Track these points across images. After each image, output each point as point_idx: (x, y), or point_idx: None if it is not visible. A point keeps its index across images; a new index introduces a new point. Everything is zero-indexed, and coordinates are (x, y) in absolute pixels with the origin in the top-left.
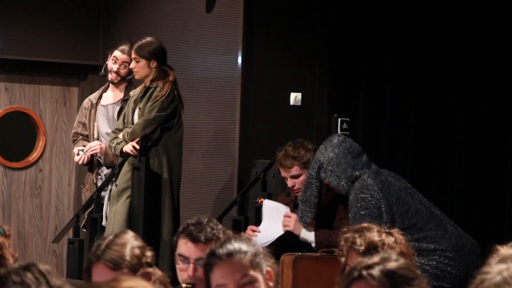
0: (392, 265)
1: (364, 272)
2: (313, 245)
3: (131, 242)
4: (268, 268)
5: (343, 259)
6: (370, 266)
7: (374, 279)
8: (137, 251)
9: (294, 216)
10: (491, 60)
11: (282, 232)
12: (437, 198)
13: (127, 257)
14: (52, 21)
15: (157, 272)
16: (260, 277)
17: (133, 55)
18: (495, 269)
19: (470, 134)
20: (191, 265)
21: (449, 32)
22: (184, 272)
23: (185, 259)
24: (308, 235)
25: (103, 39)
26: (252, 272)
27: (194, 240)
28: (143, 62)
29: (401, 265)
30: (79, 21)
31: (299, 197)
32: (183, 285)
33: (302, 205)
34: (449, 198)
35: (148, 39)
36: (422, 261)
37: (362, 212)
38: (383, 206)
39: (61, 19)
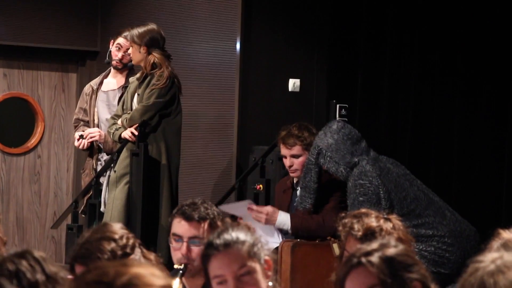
0: (391, 251)
1: (363, 259)
2: (290, 231)
3: (105, 236)
4: (267, 257)
5: (335, 245)
6: (369, 253)
7: (373, 266)
8: (111, 246)
9: (263, 210)
10: (488, 44)
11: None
12: (435, 184)
13: (99, 254)
14: (50, 7)
15: (146, 256)
16: (258, 267)
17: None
18: (488, 258)
19: (468, 120)
20: (185, 244)
21: (448, 18)
22: (178, 252)
23: (179, 238)
24: (284, 223)
25: (102, 25)
26: (250, 263)
27: (188, 218)
28: (134, 47)
29: (400, 251)
30: (77, 7)
31: (296, 180)
32: (175, 266)
33: (302, 191)
34: (447, 184)
35: (143, 25)
36: (420, 247)
37: (361, 199)
38: (381, 192)
39: (59, 5)
